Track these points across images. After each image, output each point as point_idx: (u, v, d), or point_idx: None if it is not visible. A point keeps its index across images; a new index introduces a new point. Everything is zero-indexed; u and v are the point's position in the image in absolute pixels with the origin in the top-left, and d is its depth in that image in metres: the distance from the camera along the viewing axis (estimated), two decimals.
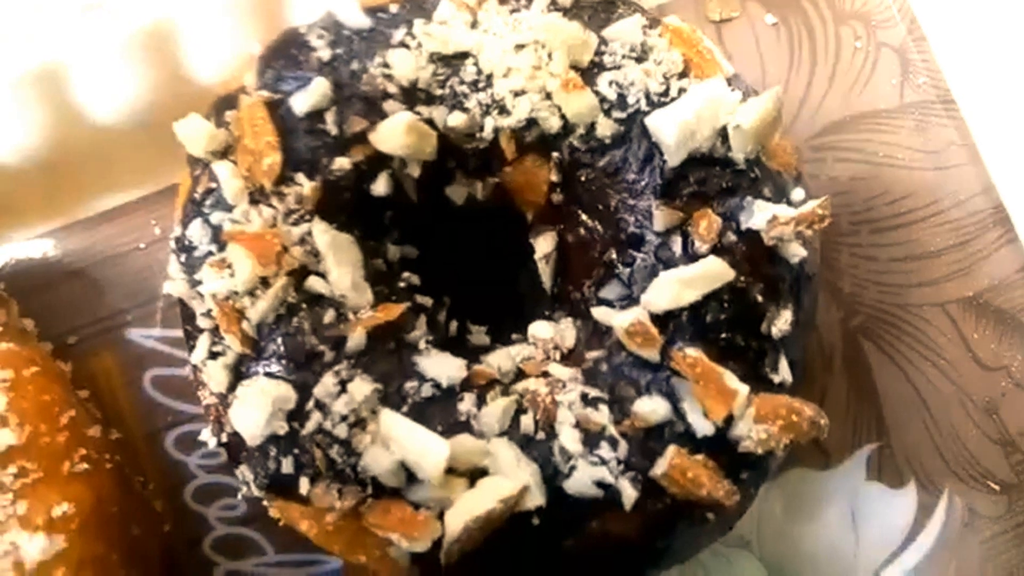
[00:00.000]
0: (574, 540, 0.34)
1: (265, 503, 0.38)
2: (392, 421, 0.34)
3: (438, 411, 0.35)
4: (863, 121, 0.52)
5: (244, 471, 0.36)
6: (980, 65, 0.52)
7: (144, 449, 0.48)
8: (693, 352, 0.34)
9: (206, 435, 0.38)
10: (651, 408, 0.33)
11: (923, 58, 0.52)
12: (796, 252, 0.36)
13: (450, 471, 0.34)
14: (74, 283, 0.50)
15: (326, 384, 0.35)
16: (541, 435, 0.34)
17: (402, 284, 0.39)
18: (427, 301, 0.39)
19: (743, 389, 0.33)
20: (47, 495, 0.36)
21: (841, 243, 0.51)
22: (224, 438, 0.37)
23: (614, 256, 0.37)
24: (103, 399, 0.47)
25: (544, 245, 0.40)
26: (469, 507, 0.32)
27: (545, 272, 0.41)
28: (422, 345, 0.37)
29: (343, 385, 0.35)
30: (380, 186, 0.38)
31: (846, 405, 0.50)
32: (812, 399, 0.48)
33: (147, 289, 0.49)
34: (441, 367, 0.36)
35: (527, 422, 0.35)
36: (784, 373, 0.35)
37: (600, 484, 0.33)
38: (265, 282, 0.36)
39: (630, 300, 0.36)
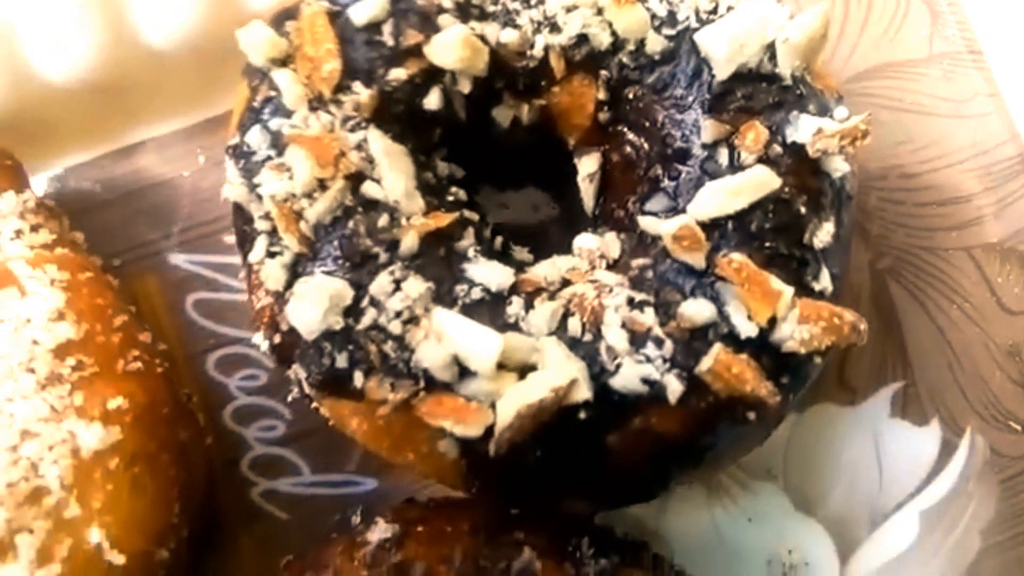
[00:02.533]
0: (618, 435, 0.35)
1: (314, 404, 0.39)
2: (445, 317, 0.35)
3: (487, 312, 0.36)
4: (892, 69, 0.53)
5: (297, 370, 0.37)
6: (1008, 17, 0.53)
7: (185, 370, 0.49)
8: (738, 257, 0.35)
9: (258, 339, 0.39)
10: (696, 310, 0.35)
11: (952, 10, 0.53)
12: (839, 167, 0.37)
13: (500, 367, 0.35)
14: (119, 208, 0.51)
15: (381, 282, 0.36)
16: (588, 336, 0.35)
17: (450, 198, 0.40)
18: (474, 216, 0.40)
19: (788, 290, 0.34)
20: (103, 389, 0.37)
21: (870, 187, 0.52)
22: (277, 339, 0.38)
23: (659, 171, 0.38)
24: (146, 321, 0.49)
25: (588, 165, 0.41)
26: (520, 396, 0.33)
27: (588, 192, 0.42)
28: (471, 253, 0.38)
29: (397, 284, 0.36)
30: (432, 100, 0.39)
31: (872, 344, 0.51)
32: None
33: (191, 215, 0.51)
34: (490, 273, 0.37)
35: (574, 324, 0.36)
36: (825, 282, 0.36)
37: (646, 381, 0.34)
38: (322, 184, 0.37)
39: (675, 211, 0.37)
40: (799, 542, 0.49)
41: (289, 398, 0.40)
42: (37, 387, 0.36)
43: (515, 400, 0.33)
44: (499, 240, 0.41)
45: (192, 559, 0.45)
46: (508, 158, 0.46)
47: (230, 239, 0.51)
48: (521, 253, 0.42)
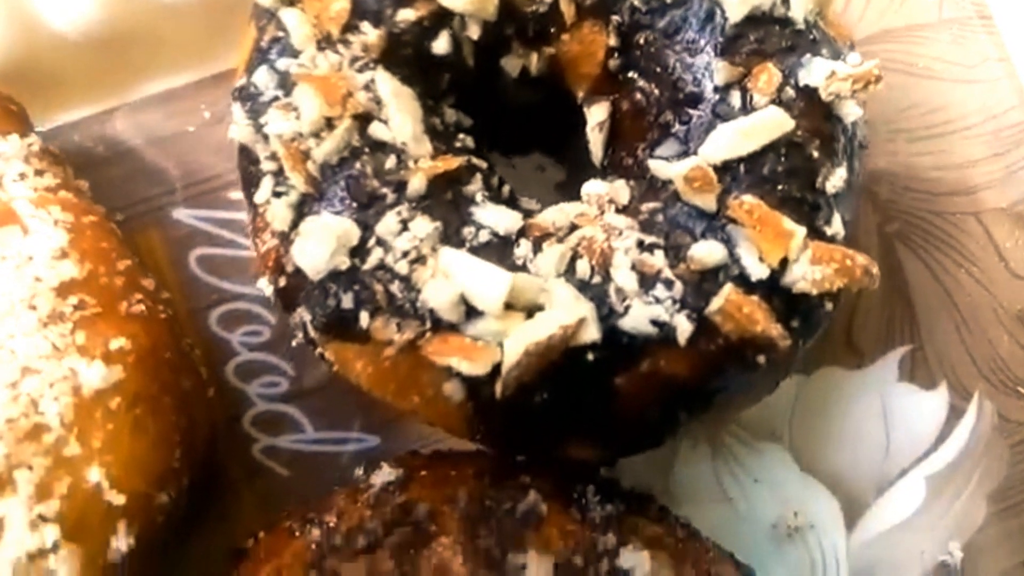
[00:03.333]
0: (626, 378, 0.34)
1: (319, 350, 0.39)
2: (452, 256, 0.35)
3: (495, 255, 0.36)
4: (901, 34, 0.53)
5: (301, 313, 0.37)
6: None
7: (188, 325, 0.49)
8: (750, 199, 0.34)
9: (262, 283, 0.39)
10: (707, 251, 0.34)
11: None
12: (851, 112, 0.36)
13: (507, 307, 0.34)
14: (122, 163, 0.50)
15: (388, 223, 0.35)
16: (597, 278, 0.35)
17: (458, 144, 0.40)
18: (482, 164, 0.40)
19: (800, 230, 0.34)
20: (105, 329, 0.37)
21: (879, 150, 0.52)
22: (282, 282, 0.37)
23: (670, 117, 0.38)
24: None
25: (598, 114, 0.41)
26: (528, 333, 0.33)
27: (597, 142, 0.41)
28: (478, 198, 0.37)
29: (404, 224, 0.35)
30: (441, 44, 0.39)
31: (880, 307, 0.50)
32: (848, 301, 0.50)
33: (195, 170, 0.50)
34: (497, 217, 0.37)
35: (583, 266, 0.35)
36: (837, 227, 0.35)
37: (655, 322, 0.34)
38: (330, 124, 0.36)
39: (687, 155, 0.37)
40: (805, 505, 0.49)
41: (293, 344, 0.39)
42: (38, 324, 0.35)
43: (523, 338, 0.33)
44: (507, 189, 0.40)
45: (192, 511, 0.44)
46: (515, 117, 0.46)
47: (235, 195, 0.51)
48: (529, 203, 0.41)
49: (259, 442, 0.49)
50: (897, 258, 0.51)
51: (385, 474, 0.36)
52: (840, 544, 0.49)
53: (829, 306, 0.36)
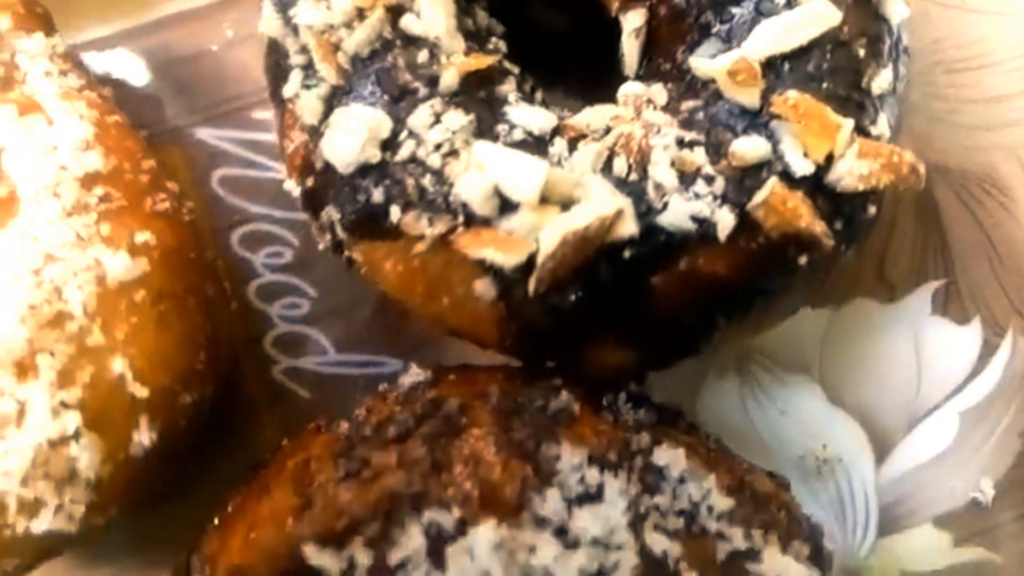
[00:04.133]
0: (663, 277, 0.33)
1: (346, 253, 0.38)
2: (487, 148, 0.34)
3: (529, 152, 0.35)
4: None
5: (330, 211, 0.36)
6: None
7: (210, 243, 0.48)
8: (795, 94, 0.34)
9: (289, 185, 0.38)
10: (750, 147, 0.33)
11: None
12: (898, 12, 0.35)
13: (542, 201, 0.34)
14: (145, 81, 0.50)
15: (420, 115, 0.34)
16: (634, 176, 0.34)
17: (491, 47, 0.39)
18: (514, 68, 0.39)
19: (847, 123, 0.33)
20: (130, 222, 0.36)
21: (914, 82, 0.51)
22: (310, 181, 0.37)
23: (710, 17, 0.37)
24: None
25: (634, 20, 0.40)
26: (565, 223, 0.32)
27: (633, 51, 0.40)
28: (511, 98, 0.37)
29: (437, 117, 0.35)
30: None
31: (913, 240, 0.49)
32: (879, 232, 0.49)
33: (218, 90, 0.50)
34: (531, 116, 0.36)
35: (620, 164, 0.34)
36: (883, 128, 0.34)
37: (695, 218, 0.33)
38: (361, 14, 0.35)
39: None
40: (833, 437, 0.48)
41: (320, 247, 0.39)
42: (63, 213, 0.34)
43: (560, 227, 0.32)
44: (539, 95, 0.39)
45: (212, 428, 0.44)
46: (543, 46, 0.45)
47: (258, 115, 0.50)
48: (562, 111, 0.41)
49: (280, 363, 0.48)
50: (931, 192, 0.50)
51: (414, 375, 0.36)
52: (869, 478, 0.48)
53: (872, 210, 0.35)
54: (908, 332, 0.49)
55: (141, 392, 0.34)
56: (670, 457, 0.33)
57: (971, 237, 0.49)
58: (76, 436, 0.33)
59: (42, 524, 0.33)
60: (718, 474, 0.33)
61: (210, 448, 0.45)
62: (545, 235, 0.32)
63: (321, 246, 0.38)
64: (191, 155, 0.49)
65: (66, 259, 0.34)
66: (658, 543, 0.30)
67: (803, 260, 0.34)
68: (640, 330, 0.35)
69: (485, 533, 0.29)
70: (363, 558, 0.29)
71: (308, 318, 0.48)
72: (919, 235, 0.49)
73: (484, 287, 0.35)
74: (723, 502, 0.32)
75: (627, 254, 0.33)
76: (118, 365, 0.34)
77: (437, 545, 0.29)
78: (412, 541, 0.29)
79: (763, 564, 0.31)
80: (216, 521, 0.34)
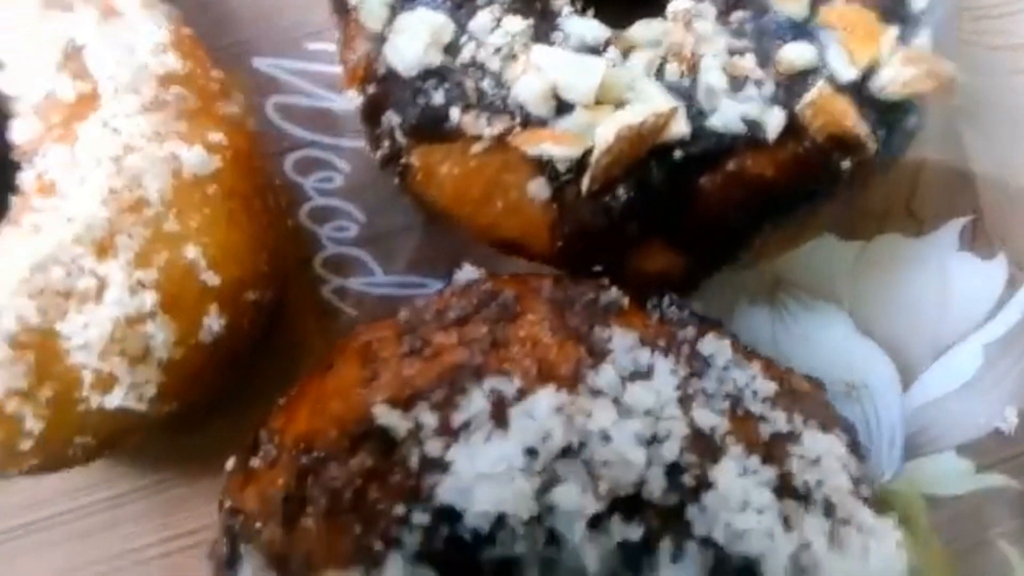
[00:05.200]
0: (711, 178, 0.35)
1: (403, 160, 0.39)
2: (544, 51, 0.35)
3: None
4: None
5: (391, 117, 0.38)
6: None
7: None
8: (841, 3, 0.35)
9: (350, 97, 0.40)
10: (798, 53, 0.35)
11: None
12: None
13: (597, 102, 0.35)
14: (203, 9, 0.51)
15: (481, 20, 0.36)
16: (686, 81, 0.36)
17: None
18: None
19: (891, 30, 0.34)
20: (204, 122, 0.38)
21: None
22: (371, 88, 0.38)
23: None
24: None
25: None
26: (621, 119, 0.34)
27: None
28: (565, 11, 0.38)
29: (497, 22, 0.36)
30: None
31: (941, 177, 0.51)
32: (908, 169, 0.51)
33: (274, 18, 0.51)
34: (585, 27, 0.37)
35: (672, 69, 0.36)
36: (924, 40, 0.36)
37: (744, 120, 0.35)
38: None
39: None
40: (861, 366, 0.49)
41: (377, 155, 0.40)
42: (141, 108, 0.36)
43: (615, 123, 0.34)
44: (591, 12, 0.41)
45: (264, 338, 0.45)
46: None
47: (313, 46, 0.52)
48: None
49: (329, 283, 0.50)
50: (958, 130, 0.51)
51: (468, 272, 0.37)
52: (895, 407, 0.49)
53: (913, 120, 0.37)
54: (935, 266, 0.50)
55: (213, 280, 0.36)
56: (715, 347, 0.34)
57: (998, 174, 0.51)
58: (152, 315, 0.34)
59: (115, 400, 0.35)
60: (760, 367, 0.35)
61: (260, 362, 0.47)
62: (601, 130, 0.34)
63: (379, 154, 0.40)
64: (246, 83, 0.50)
65: (144, 150, 0.35)
66: (706, 419, 0.32)
67: (846, 164, 0.36)
68: (686, 232, 0.37)
69: (545, 396, 0.30)
70: (429, 419, 0.31)
71: (356, 241, 0.50)
72: (947, 172, 0.51)
73: (537, 188, 0.36)
74: (766, 387, 0.34)
75: (677, 155, 0.35)
76: (191, 252, 0.36)
77: (499, 408, 0.30)
78: (475, 405, 0.31)
79: (804, 445, 0.33)
80: (282, 401, 0.36)
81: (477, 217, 0.39)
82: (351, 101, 0.40)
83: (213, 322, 0.36)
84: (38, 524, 0.48)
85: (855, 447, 0.35)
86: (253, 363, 0.46)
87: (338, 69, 0.43)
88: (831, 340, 0.49)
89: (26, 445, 0.35)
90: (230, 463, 0.36)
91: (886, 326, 0.50)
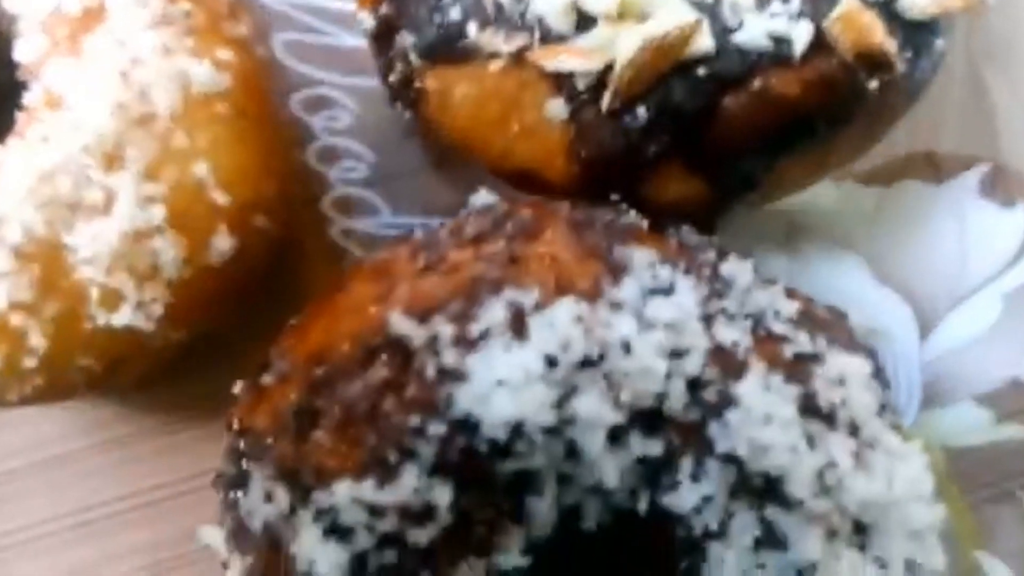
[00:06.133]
0: (735, 96, 0.34)
1: (417, 84, 0.39)
2: None
3: None
4: None
5: (404, 37, 0.37)
6: None
7: None
8: None
9: (362, 18, 0.39)
10: None
11: None
12: None
13: (620, 17, 0.34)
14: None
15: None
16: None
17: None
18: None
19: None
20: (212, 39, 0.37)
21: None
22: (384, 8, 0.38)
23: None
24: None
25: None
26: (644, 31, 0.33)
27: None
28: None
29: None
30: None
31: (962, 123, 0.50)
32: (930, 115, 0.50)
33: None
34: None
35: None
36: None
37: (771, 36, 0.34)
38: None
39: None
40: (877, 313, 0.48)
41: (391, 79, 0.39)
42: (149, 23, 0.35)
43: (639, 35, 0.33)
44: None
45: (270, 278, 0.45)
46: None
47: None
48: None
49: (337, 224, 0.49)
50: (981, 76, 0.50)
51: (483, 196, 0.36)
52: (912, 354, 0.48)
53: (941, 43, 0.36)
54: (954, 213, 0.49)
55: (222, 199, 0.35)
56: (737, 268, 0.33)
57: (1019, 121, 0.50)
58: (160, 230, 0.34)
59: (122, 318, 0.34)
60: (782, 291, 0.34)
61: (267, 302, 0.46)
62: (623, 42, 0.33)
63: (391, 79, 0.39)
64: (256, 18, 0.49)
65: (152, 64, 0.35)
66: (728, 335, 0.31)
67: (873, 84, 0.35)
68: (707, 155, 0.36)
69: (565, 306, 0.29)
70: (446, 330, 0.30)
71: (365, 181, 0.49)
72: (968, 118, 0.50)
73: (556, 107, 0.36)
74: (789, 307, 0.33)
75: (701, 72, 0.34)
76: (201, 169, 0.35)
77: (518, 318, 0.29)
78: (493, 315, 0.30)
79: (828, 366, 0.32)
80: (293, 322, 0.35)
81: (491, 143, 0.38)
82: (362, 28, 0.39)
83: (222, 242, 0.35)
84: (48, 462, 0.47)
85: (879, 374, 0.34)
86: (259, 303, 0.45)
87: (347, 4, 0.42)
88: (849, 287, 0.48)
89: (30, 363, 0.34)
90: (238, 386, 0.35)
91: (904, 274, 0.49)
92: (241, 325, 0.45)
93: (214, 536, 0.33)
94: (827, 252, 0.49)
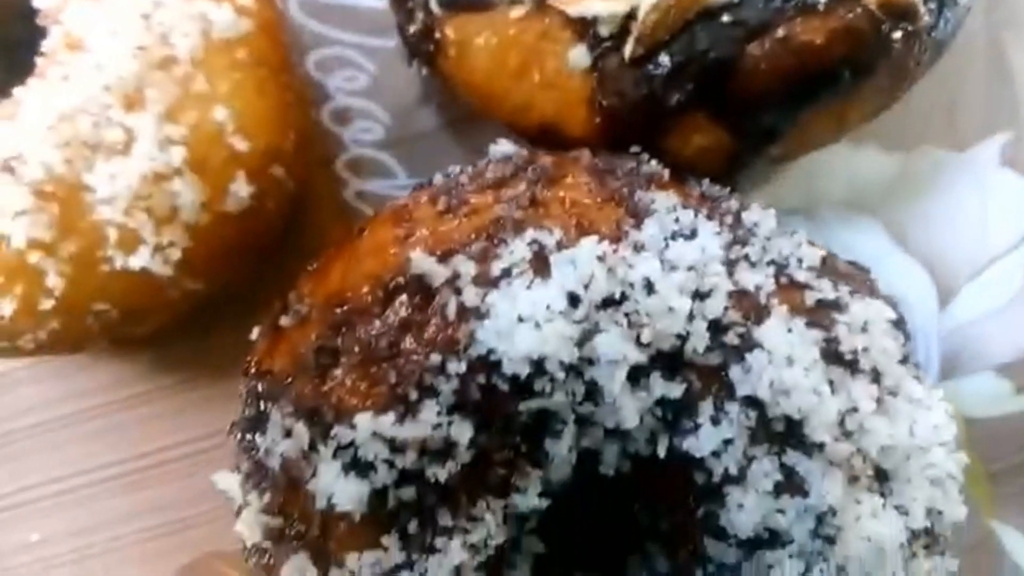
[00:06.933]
0: (759, 45, 0.34)
1: (436, 34, 0.38)
2: None
3: None
4: None
5: None
6: None
7: None
8: None
9: None
10: None
11: None
12: None
13: None
14: None
15: None
16: None
17: None
18: None
19: None
20: None
21: None
22: None
23: None
24: None
25: None
26: None
27: None
28: None
29: None
30: None
31: (984, 92, 0.49)
32: (950, 81, 0.49)
33: None
34: None
35: None
36: None
37: None
38: None
39: None
40: (896, 280, 0.48)
41: (411, 30, 0.39)
42: None
43: None
44: None
45: (284, 238, 0.44)
46: None
47: None
48: None
49: (351, 185, 0.49)
50: (1002, 45, 0.50)
51: (504, 145, 0.36)
52: (931, 321, 0.48)
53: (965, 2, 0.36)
54: (975, 181, 0.49)
55: (240, 145, 0.35)
56: (760, 216, 0.33)
57: None
58: (179, 173, 0.34)
59: (139, 260, 0.34)
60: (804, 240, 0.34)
61: (282, 262, 0.46)
62: None
63: (411, 30, 0.39)
64: None
65: (173, 7, 0.35)
66: (751, 280, 0.31)
67: (897, 35, 0.34)
68: (730, 104, 0.35)
69: (588, 245, 0.29)
70: (467, 268, 0.29)
71: (380, 143, 0.49)
72: (990, 86, 0.49)
73: (578, 55, 0.35)
74: (812, 254, 0.32)
75: (725, 19, 0.34)
76: (220, 114, 0.35)
77: (540, 257, 0.29)
78: (515, 254, 0.29)
79: (851, 313, 0.31)
80: (311, 267, 0.34)
81: (511, 95, 0.38)
82: None
83: (240, 188, 0.35)
84: (64, 419, 0.47)
85: (901, 324, 0.34)
86: (275, 264, 0.45)
87: None
88: (868, 254, 0.48)
89: (47, 304, 0.34)
90: (256, 332, 0.35)
91: (924, 242, 0.48)
92: (257, 285, 0.45)
93: (229, 482, 0.33)
94: (847, 219, 0.48)
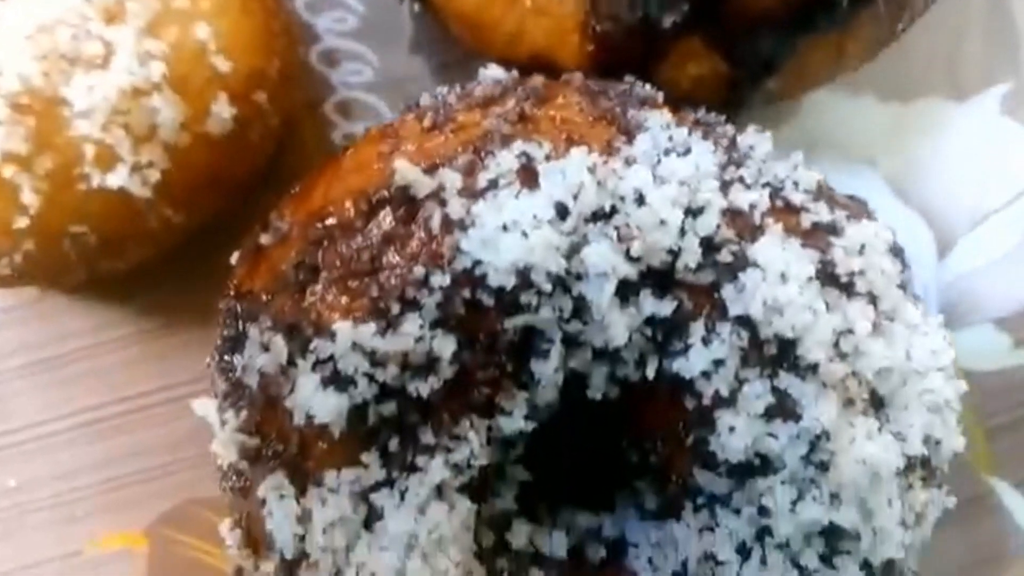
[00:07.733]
0: None
1: None
2: None
3: None
4: None
5: None
6: None
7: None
8: None
9: None
10: None
11: None
12: None
13: None
14: None
15: None
16: None
17: None
18: None
19: None
20: None
21: None
22: None
23: None
24: None
25: None
26: None
27: None
28: None
29: None
30: None
31: (984, 42, 0.48)
32: (951, 30, 0.48)
33: None
34: None
35: None
36: None
37: None
38: None
39: None
40: (896, 229, 0.47)
41: None
42: None
43: None
44: None
45: (269, 181, 0.43)
46: None
47: None
48: None
49: (339, 128, 0.48)
50: None
51: (494, 70, 0.35)
52: (930, 271, 0.47)
53: None
54: (975, 131, 0.48)
55: (223, 66, 0.34)
56: (756, 139, 0.32)
57: None
58: (158, 88, 0.33)
59: (117, 179, 0.33)
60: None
61: (266, 204, 0.45)
62: None
63: None
64: None
65: None
66: (745, 199, 0.30)
67: None
68: (727, 28, 0.35)
69: (578, 156, 0.28)
70: (453, 179, 0.29)
71: (370, 86, 0.48)
72: (990, 35, 0.48)
73: None
74: (809, 177, 0.32)
75: None
76: (202, 31, 0.34)
77: (528, 169, 0.28)
78: (503, 166, 0.29)
79: (847, 236, 0.31)
80: (294, 189, 0.34)
81: (502, 24, 0.37)
82: None
83: (222, 110, 0.34)
84: (46, 362, 0.46)
85: (898, 252, 0.33)
86: (259, 205, 0.44)
87: None
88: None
89: (22, 223, 0.33)
90: (235, 256, 0.34)
91: (923, 191, 0.47)
92: (241, 228, 0.44)
93: (206, 407, 0.32)
94: (845, 168, 0.47)
